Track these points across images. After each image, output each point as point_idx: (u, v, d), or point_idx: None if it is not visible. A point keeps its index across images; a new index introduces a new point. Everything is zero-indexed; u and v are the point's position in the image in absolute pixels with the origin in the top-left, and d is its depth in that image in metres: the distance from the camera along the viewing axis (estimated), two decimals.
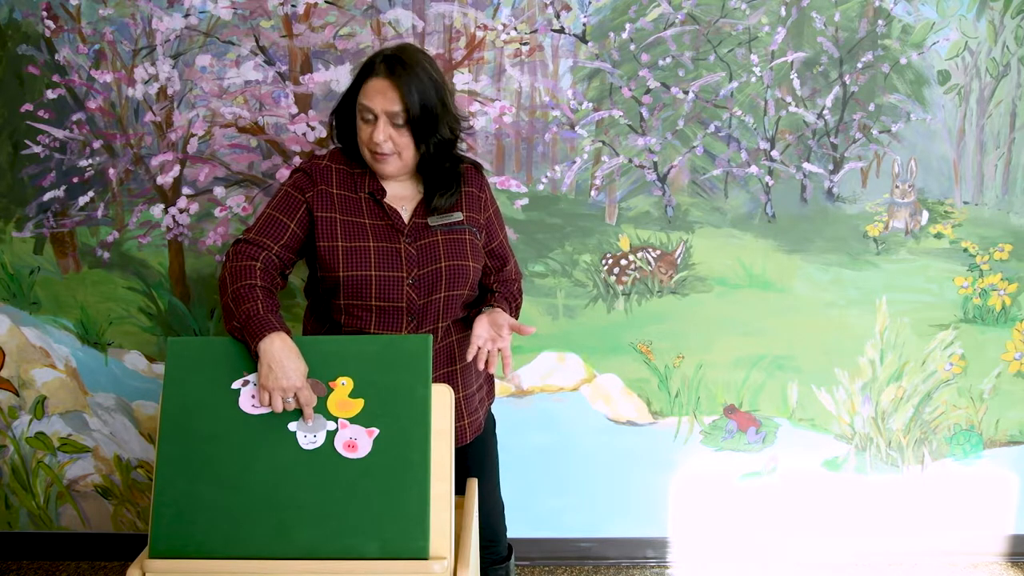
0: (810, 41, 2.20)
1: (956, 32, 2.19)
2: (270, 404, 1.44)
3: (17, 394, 2.42)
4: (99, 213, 2.29)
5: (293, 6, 2.15)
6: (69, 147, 2.24)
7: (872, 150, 2.27)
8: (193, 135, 2.23)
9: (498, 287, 1.82)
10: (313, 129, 2.22)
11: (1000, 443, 2.46)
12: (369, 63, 1.62)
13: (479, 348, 1.67)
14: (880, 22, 2.19)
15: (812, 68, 2.22)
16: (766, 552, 2.52)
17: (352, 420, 1.46)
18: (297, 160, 2.23)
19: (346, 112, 1.68)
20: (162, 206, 2.28)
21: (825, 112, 2.24)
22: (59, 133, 2.23)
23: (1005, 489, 2.49)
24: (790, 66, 2.21)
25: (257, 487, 1.42)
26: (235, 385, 1.48)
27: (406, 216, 1.69)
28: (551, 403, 2.41)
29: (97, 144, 2.24)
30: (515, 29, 2.18)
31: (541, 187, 2.27)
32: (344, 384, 1.48)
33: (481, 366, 1.67)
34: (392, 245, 1.66)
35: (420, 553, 1.39)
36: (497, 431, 1.96)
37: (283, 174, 2.24)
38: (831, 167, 2.28)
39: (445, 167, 1.69)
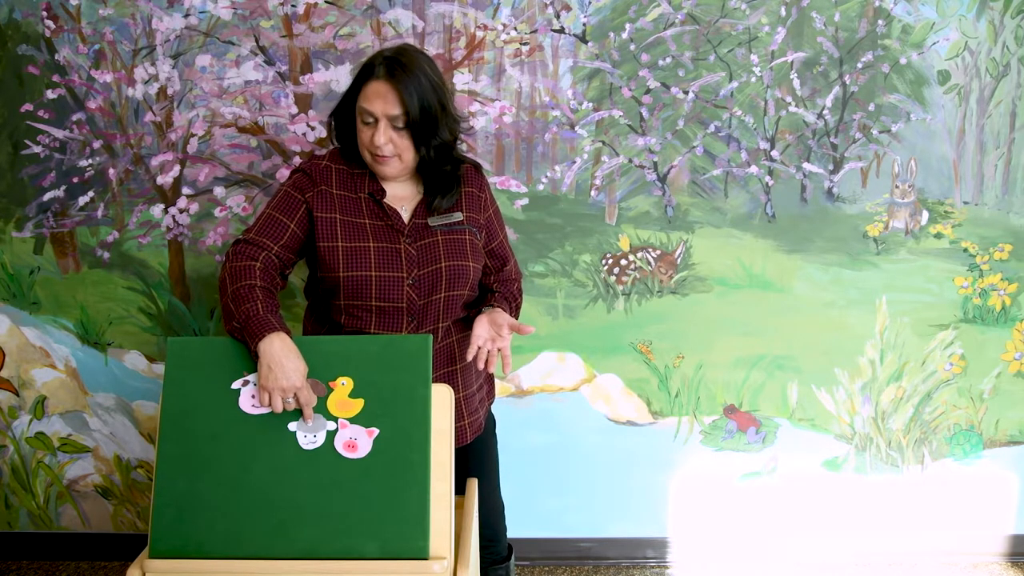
0: (810, 41, 2.20)
1: (956, 32, 2.19)
2: (270, 404, 1.44)
3: (17, 394, 2.42)
4: (99, 213, 2.29)
5: (293, 6, 2.15)
6: (69, 147, 2.24)
7: (872, 150, 2.27)
8: (193, 135, 2.23)
9: (498, 287, 1.82)
10: (313, 129, 2.22)
11: (1000, 443, 2.46)
12: (369, 65, 1.61)
13: (479, 348, 1.67)
14: (880, 22, 2.19)
15: (812, 68, 2.22)
16: (766, 552, 2.52)
17: (352, 420, 1.46)
18: (297, 160, 2.23)
19: (345, 113, 1.68)
20: (162, 206, 2.28)
21: (825, 112, 2.24)
22: (59, 133, 2.23)
23: (1005, 489, 2.49)
24: (790, 66, 2.21)
25: (257, 487, 1.42)
26: (235, 385, 1.48)
27: (406, 216, 1.69)
28: (551, 403, 2.41)
29: (97, 144, 2.24)
30: (515, 29, 2.18)
31: (541, 187, 2.27)
32: (344, 384, 1.48)
33: (481, 366, 1.67)
34: (392, 245, 1.66)
35: (420, 553, 1.39)
36: (497, 431, 1.96)
37: (283, 174, 2.24)
38: (831, 167, 2.28)
39: (445, 169, 1.69)
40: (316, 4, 2.15)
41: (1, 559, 2.52)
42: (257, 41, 2.18)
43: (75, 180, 2.26)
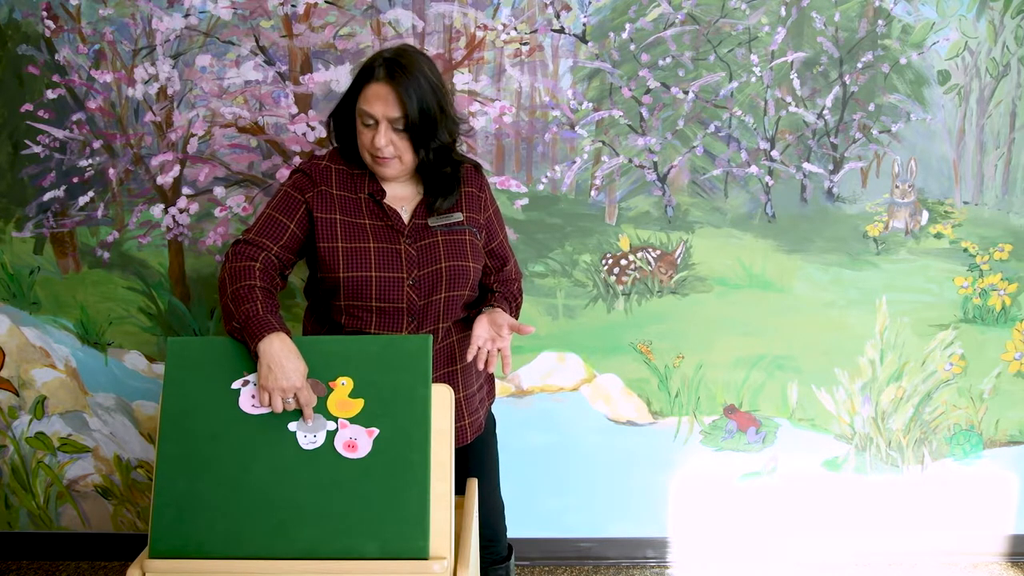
0: (810, 41, 2.20)
1: (956, 32, 2.19)
2: (270, 404, 1.44)
3: (17, 394, 2.42)
4: (99, 213, 2.29)
5: (293, 6, 2.15)
6: (69, 147, 2.24)
7: (872, 150, 2.27)
8: (193, 135, 2.23)
9: (498, 287, 1.82)
10: (313, 129, 2.22)
11: (1000, 443, 2.46)
12: (368, 67, 1.61)
13: (479, 348, 1.67)
14: (880, 22, 2.19)
15: (812, 68, 2.22)
16: (766, 552, 2.52)
17: (352, 420, 1.46)
18: (297, 160, 2.23)
19: (345, 114, 1.68)
20: (162, 206, 2.28)
21: (825, 112, 2.24)
22: (59, 133, 2.23)
23: (1005, 489, 2.49)
24: (790, 66, 2.21)
25: (257, 487, 1.42)
26: (235, 385, 1.48)
27: (406, 217, 1.69)
28: (551, 403, 2.41)
29: (97, 144, 2.24)
30: (515, 29, 2.18)
31: (541, 187, 2.27)
32: (344, 384, 1.48)
33: (481, 366, 1.67)
34: (392, 246, 1.66)
35: (420, 553, 1.39)
36: (497, 431, 1.96)
37: (283, 174, 2.24)
38: (831, 167, 2.28)
39: (446, 170, 1.68)
40: (316, 4, 2.15)
41: (1, 559, 2.53)
42: (257, 41, 2.18)
43: (75, 180, 2.26)
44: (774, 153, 2.26)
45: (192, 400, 1.47)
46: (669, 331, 2.37)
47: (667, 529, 2.51)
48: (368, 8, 2.16)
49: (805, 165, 2.27)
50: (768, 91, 2.23)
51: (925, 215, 2.31)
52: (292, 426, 1.46)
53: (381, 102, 1.58)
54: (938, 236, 2.32)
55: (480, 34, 2.17)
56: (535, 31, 2.18)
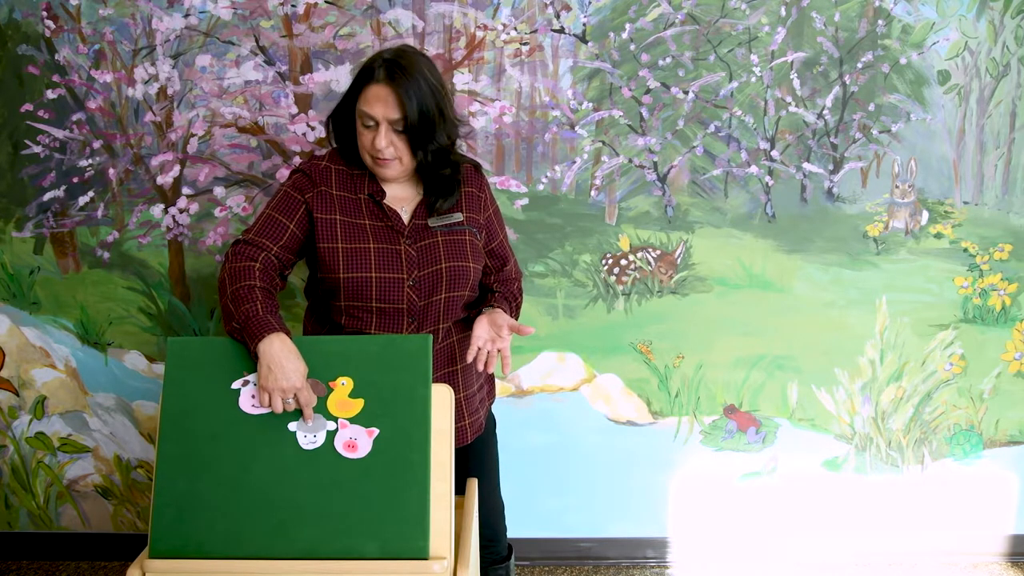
0: (810, 41, 2.20)
1: (956, 32, 2.19)
2: (270, 405, 1.44)
3: (17, 394, 2.42)
4: (99, 213, 2.29)
5: (293, 6, 2.15)
6: (69, 147, 2.24)
7: (872, 150, 2.27)
8: (193, 135, 2.23)
9: (498, 287, 1.82)
10: (313, 129, 2.22)
11: (1000, 443, 2.46)
12: (368, 68, 1.60)
13: (479, 349, 1.67)
14: (880, 22, 2.19)
15: (812, 68, 2.22)
16: (766, 552, 2.52)
17: (352, 420, 1.46)
18: (297, 160, 2.23)
19: (345, 115, 1.68)
20: (162, 206, 2.28)
21: (825, 112, 2.24)
22: (59, 133, 2.23)
23: (1005, 489, 2.49)
24: (790, 66, 2.21)
25: (257, 487, 1.42)
26: (235, 385, 1.48)
27: (406, 217, 1.69)
28: (551, 403, 2.41)
29: (97, 144, 2.24)
30: (515, 29, 2.18)
31: (541, 187, 2.27)
32: (344, 384, 1.48)
33: (480, 367, 1.67)
34: (392, 247, 1.66)
35: (420, 553, 1.39)
36: (497, 431, 1.96)
37: (283, 174, 2.24)
38: (831, 167, 2.28)
39: (445, 172, 1.68)
40: (316, 4, 2.15)
41: (1, 559, 2.53)
42: (257, 41, 2.18)
43: (75, 180, 2.26)
44: (774, 153, 2.26)
45: (192, 400, 1.47)
46: (669, 331, 2.37)
47: (667, 529, 2.51)
48: (368, 8, 2.16)
49: (805, 165, 2.27)
50: (768, 91, 2.23)
51: (925, 215, 2.31)
52: (292, 426, 1.46)
53: (381, 103, 1.58)
54: (938, 236, 2.32)
55: (480, 34, 2.17)
56: (535, 31, 2.18)
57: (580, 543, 2.52)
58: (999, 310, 2.37)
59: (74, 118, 2.22)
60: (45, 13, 2.16)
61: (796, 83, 2.22)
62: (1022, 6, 2.18)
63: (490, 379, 1.93)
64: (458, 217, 1.71)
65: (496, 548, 1.97)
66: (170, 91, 2.20)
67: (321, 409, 1.47)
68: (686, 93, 2.22)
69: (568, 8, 2.17)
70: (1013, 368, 2.41)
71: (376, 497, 1.41)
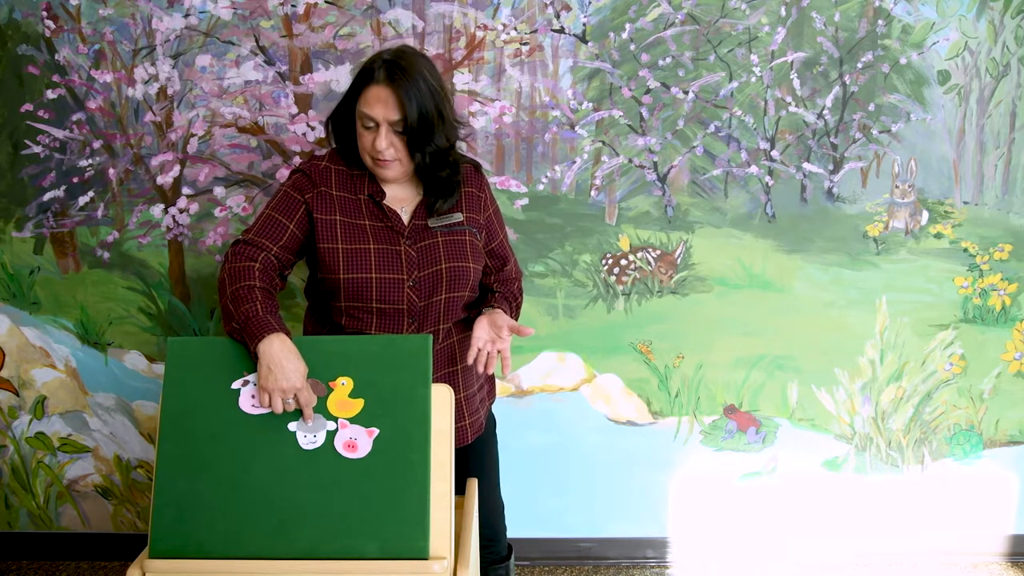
0: (810, 41, 2.20)
1: (956, 32, 2.19)
2: (270, 405, 1.44)
3: (17, 394, 2.42)
4: (99, 213, 2.29)
5: (293, 6, 2.15)
6: (69, 147, 2.25)
7: (872, 150, 2.27)
8: (193, 135, 2.23)
9: (498, 287, 1.82)
10: (313, 129, 2.22)
11: (1000, 443, 2.46)
12: (368, 68, 1.59)
13: (479, 350, 1.67)
14: (880, 22, 2.19)
15: (812, 68, 2.22)
16: (766, 552, 2.52)
17: (352, 420, 1.46)
18: (297, 160, 2.23)
19: (344, 116, 1.67)
20: (162, 206, 2.28)
21: (825, 112, 2.24)
22: (59, 133, 2.23)
23: (1005, 489, 2.49)
24: (790, 66, 2.21)
25: (257, 487, 1.42)
26: (235, 385, 1.48)
27: (406, 218, 1.69)
28: (551, 403, 2.41)
29: (97, 144, 2.24)
30: (515, 29, 2.18)
31: (541, 187, 2.27)
32: (344, 384, 1.48)
33: (481, 369, 1.67)
34: (392, 247, 1.65)
35: (420, 553, 1.39)
36: (497, 431, 1.96)
37: (283, 174, 2.24)
38: (831, 167, 2.28)
39: (444, 173, 1.67)
40: (316, 4, 2.15)
41: (1, 559, 2.53)
42: (257, 41, 2.18)
43: (75, 180, 2.26)
44: (774, 153, 2.26)
45: (192, 400, 1.47)
46: (669, 331, 2.37)
47: (667, 529, 2.51)
48: (368, 8, 2.16)
49: (805, 165, 2.27)
50: (768, 91, 2.23)
51: (925, 215, 2.31)
52: (292, 426, 1.46)
53: (382, 104, 1.57)
54: (938, 236, 2.32)
55: (480, 34, 2.17)
56: (535, 31, 2.18)
57: (580, 543, 2.52)
58: (999, 310, 2.37)
59: (74, 118, 2.22)
60: (45, 13, 2.16)
61: (796, 83, 2.22)
62: (1022, 6, 2.18)
63: (490, 379, 1.93)
64: (458, 217, 1.71)
65: (496, 548, 1.97)
66: (170, 91, 2.20)
67: (321, 409, 1.47)
68: (686, 93, 2.22)
69: (568, 8, 2.17)
70: (1013, 368, 2.41)
71: (376, 497, 1.41)
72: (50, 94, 2.21)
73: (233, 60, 2.18)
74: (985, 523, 2.51)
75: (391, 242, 1.66)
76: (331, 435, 1.45)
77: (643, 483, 2.47)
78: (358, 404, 1.47)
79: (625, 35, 2.18)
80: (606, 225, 2.31)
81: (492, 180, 2.23)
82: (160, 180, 2.26)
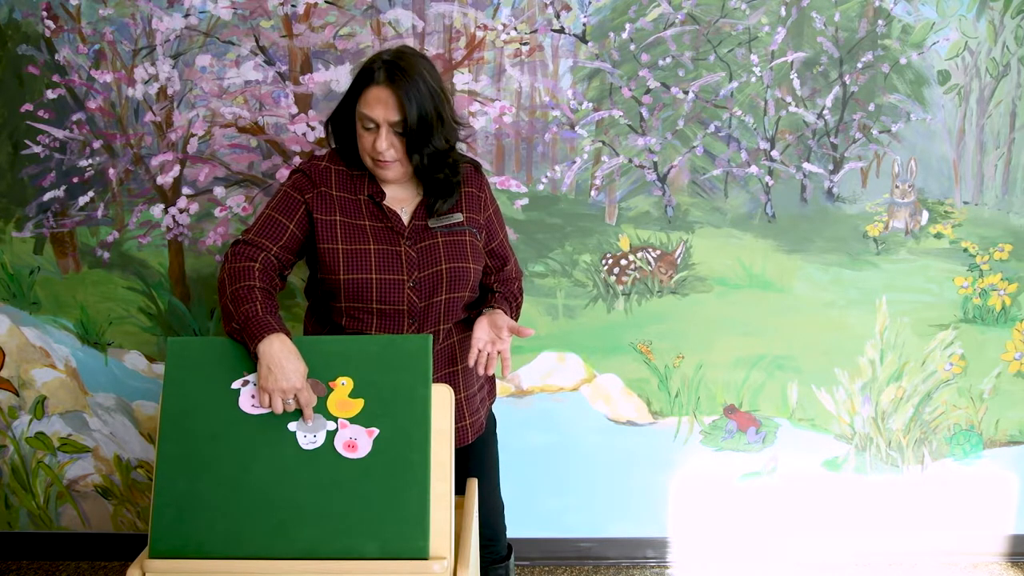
0: (810, 41, 2.20)
1: (956, 32, 2.19)
2: (270, 405, 1.44)
3: (17, 394, 2.42)
4: (99, 213, 2.29)
5: (293, 6, 2.15)
6: (69, 147, 2.25)
7: (872, 150, 2.27)
8: (193, 135, 2.23)
9: (498, 287, 1.82)
10: (313, 129, 2.22)
11: (1000, 443, 2.46)
12: (368, 69, 1.59)
13: (479, 351, 1.66)
14: (880, 22, 2.19)
15: (812, 68, 2.22)
16: (766, 552, 2.52)
17: (352, 420, 1.46)
18: (297, 160, 2.23)
19: (344, 116, 1.67)
20: (162, 206, 2.28)
21: (825, 112, 2.24)
22: (59, 133, 2.23)
23: (1005, 489, 2.49)
24: (790, 66, 2.21)
25: (257, 487, 1.42)
26: (235, 385, 1.48)
27: (406, 218, 1.69)
28: (551, 403, 2.41)
29: (97, 144, 2.24)
30: (515, 29, 2.18)
31: (541, 187, 2.27)
32: (344, 384, 1.48)
33: (481, 371, 1.67)
34: (392, 248, 1.65)
35: (420, 553, 1.39)
36: (497, 431, 1.96)
37: (283, 174, 2.24)
38: (831, 167, 2.28)
39: (444, 173, 1.67)
40: (316, 4, 2.15)
41: (1, 559, 2.53)
42: (257, 41, 2.18)
43: (75, 180, 2.26)
44: (774, 153, 2.26)
45: (192, 400, 1.47)
46: (669, 331, 2.37)
47: (667, 529, 2.51)
48: (368, 8, 2.16)
49: (805, 165, 2.27)
50: (768, 91, 2.23)
51: (925, 215, 2.31)
52: (292, 426, 1.46)
53: (382, 105, 1.57)
54: (938, 236, 2.32)
55: (480, 34, 2.17)
56: (535, 31, 2.18)
57: (580, 543, 2.52)
58: (999, 310, 2.37)
59: (74, 118, 2.22)
60: (45, 13, 2.16)
61: (796, 83, 2.22)
62: (1022, 6, 2.18)
63: (491, 379, 1.93)
64: (458, 217, 1.71)
65: (496, 548, 1.97)
66: (170, 91, 2.20)
67: (321, 409, 1.47)
68: (686, 93, 2.22)
69: (568, 8, 2.17)
70: (1013, 368, 2.41)
71: (376, 497, 1.41)
72: (50, 94, 2.21)
73: (233, 60, 2.19)
74: (985, 523, 2.51)
75: (391, 243, 1.66)
76: (331, 435, 1.45)
77: (643, 483, 2.47)
78: (358, 404, 1.47)
79: (625, 35, 2.18)
80: (606, 225, 2.31)
81: (492, 180, 2.23)
82: (160, 180, 2.26)
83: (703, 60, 2.20)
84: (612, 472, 2.46)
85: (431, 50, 2.17)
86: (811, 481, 2.47)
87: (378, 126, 1.59)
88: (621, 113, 2.23)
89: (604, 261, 2.33)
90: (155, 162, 2.25)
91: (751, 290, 2.34)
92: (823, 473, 2.47)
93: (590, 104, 2.23)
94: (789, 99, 2.23)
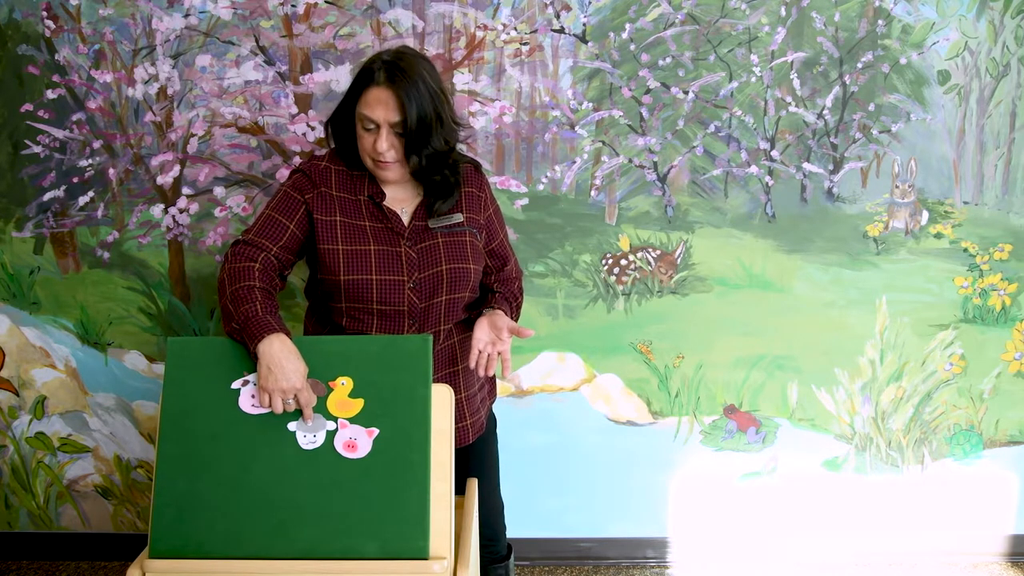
0: (810, 41, 2.20)
1: (956, 32, 2.19)
2: (270, 405, 1.44)
3: (17, 394, 2.42)
4: (99, 213, 2.29)
5: (293, 6, 2.15)
6: (69, 147, 2.25)
7: (872, 150, 2.27)
8: (193, 135, 2.23)
9: (499, 287, 1.82)
10: (313, 129, 2.22)
11: (1000, 443, 2.46)
12: (367, 69, 1.59)
13: (479, 352, 1.66)
14: (880, 22, 2.19)
15: (812, 68, 2.22)
16: (766, 552, 2.52)
17: (352, 420, 1.46)
18: (297, 160, 2.23)
19: (344, 117, 1.66)
20: (162, 206, 2.28)
21: (825, 112, 2.24)
22: (59, 133, 2.23)
23: (1005, 489, 2.49)
24: (790, 66, 2.21)
25: (257, 487, 1.42)
26: (235, 385, 1.48)
27: (406, 219, 1.69)
28: (551, 403, 2.41)
29: (97, 144, 2.24)
30: (515, 29, 2.18)
31: (541, 187, 2.27)
32: (344, 384, 1.48)
33: (481, 372, 1.67)
34: (392, 248, 1.65)
35: (420, 553, 1.39)
36: (497, 431, 1.96)
37: (283, 174, 2.24)
38: (831, 167, 2.28)
39: (443, 174, 1.66)
40: (316, 4, 2.15)
41: (1, 559, 2.53)
42: (257, 41, 2.18)
43: (75, 180, 2.26)
44: (774, 153, 2.26)
45: (192, 400, 1.47)
46: (669, 331, 2.37)
47: (667, 529, 2.51)
48: (368, 8, 2.16)
49: (805, 165, 2.27)
50: (768, 91, 2.23)
51: (925, 215, 2.31)
52: (292, 426, 1.46)
53: (382, 106, 1.57)
54: (938, 236, 2.32)
55: (480, 34, 2.17)
56: (535, 31, 2.18)
57: (580, 543, 2.52)
58: (999, 310, 2.37)
59: (74, 118, 2.22)
60: (45, 13, 2.16)
61: (796, 83, 2.22)
62: (1022, 6, 2.18)
63: (491, 379, 1.93)
64: (458, 218, 1.71)
65: (495, 547, 1.97)
66: (170, 91, 2.20)
67: (321, 409, 1.47)
68: (686, 93, 2.22)
69: (568, 8, 2.17)
70: (1013, 368, 2.41)
71: (376, 497, 1.41)
72: (50, 94, 2.21)
73: (233, 60, 2.19)
74: (985, 523, 2.51)
75: (391, 243, 1.65)
76: (331, 435, 1.45)
77: (643, 483, 2.47)
78: (358, 404, 1.47)
79: (625, 35, 2.18)
80: (606, 225, 2.31)
81: (492, 180, 2.23)
82: (160, 180, 2.26)
83: (703, 60, 2.20)
84: (612, 472, 2.46)
85: (431, 50, 2.17)
86: (811, 481, 2.47)
87: (378, 127, 1.58)
88: (621, 113, 2.23)
89: (604, 261, 2.33)
90: (155, 162, 2.25)
91: (751, 290, 2.34)
92: (823, 473, 2.47)
93: (590, 104, 2.23)
94: (789, 99, 2.23)
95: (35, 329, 2.37)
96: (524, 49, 2.19)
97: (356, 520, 1.40)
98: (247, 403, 1.47)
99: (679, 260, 2.33)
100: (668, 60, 2.20)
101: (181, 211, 2.28)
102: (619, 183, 2.28)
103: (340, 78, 2.19)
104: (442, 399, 1.50)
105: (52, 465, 2.47)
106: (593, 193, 2.28)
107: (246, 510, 1.41)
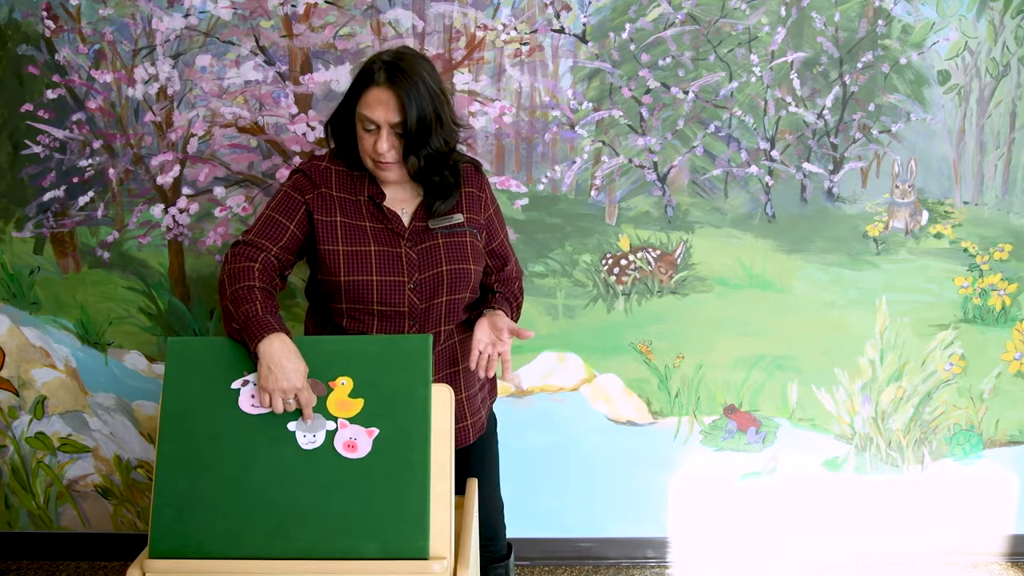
0: (810, 41, 2.20)
1: (956, 32, 2.19)
2: (270, 405, 1.44)
3: (17, 394, 2.42)
4: (99, 213, 2.29)
5: (293, 6, 2.15)
6: (69, 147, 2.25)
7: (872, 150, 2.27)
8: (193, 135, 2.23)
9: (499, 287, 1.82)
10: (313, 129, 2.22)
11: (1000, 443, 2.46)
12: (367, 70, 1.58)
13: (479, 353, 1.66)
14: (880, 22, 2.19)
15: (812, 68, 2.22)
16: (766, 552, 2.52)
17: (352, 420, 1.46)
18: (297, 160, 2.23)
19: (344, 117, 1.66)
20: (162, 206, 2.28)
21: (825, 112, 2.24)
22: (59, 133, 2.23)
23: (1005, 489, 2.49)
24: (790, 66, 2.21)
25: (257, 487, 1.42)
26: (235, 385, 1.48)
27: (406, 219, 1.68)
28: (551, 403, 2.41)
29: (97, 144, 2.24)
30: (515, 29, 2.18)
31: (541, 187, 2.27)
32: (344, 384, 1.48)
33: (481, 373, 1.67)
34: (393, 249, 1.65)
35: (420, 553, 1.39)
36: (498, 431, 1.96)
37: (283, 174, 2.24)
38: (831, 167, 2.28)
39: (443, 175, 1.66)
40: (316, 4, 2.15)
41: (1, 559, 2.53)
42: (257, 41, 2.18)
43: (75, 180, 2.26)
44: (774, 153, 2.26)
45: (192, 400, 1.47)
46: (669, 331, 2.37)
47: (667, 529, 2.51)
48: (368, 8, 2.16)
49: (805, 165, 2.27)
50: (768, 91, 2.23)
51: (925, 215, 2.31)
52: (292, 426, 1.46)
53: (382, 107, 1.56)
54: (938, 236, 2.32)
55: (480, 34, 2.17)
56: (535, 31, 2.18)
57: (580, 543, 2.52)
58: (999, 310, 2.37)
59: (74, 118, 2.22)
60: (45, 13, 2.16)
61: (796, 83, 2.22)
62: (1022, 6, 2.18)
63: (491, 379, 1.93)
64: (459, 218, 1.70)
65: (495, 547, 1.97)
66: (170, 91, 2.20)
67: (321, 409, 1.47)
68: (686, 93, 2.22)
69: (568, 8, 2.17)
70: (1013, 368, 2.41)
71: (376, 497, 1.41)
72: (50, 94, 2.21)
73: (233, 60, 2.19)
74: (985, 523, 2.51)
75: (392, 244, 1.65)
76: (331, 435, 1.45)
77: (643, 483, 2.47)
78: (358, 404, 1.47)
79: (625, 35, 2.18)
80: (606, 225, 2.31)
81: (492, 180, 2.23)
82: (160, 180, 2.26)
83: (703, 60, 2.20)
84: (612, 472, 2.46)
85: (431, 50, 2.17)
86: (811, 481, 2.47)
87: (378, 127, 1.58)
88: (621, 113, 2.23)
89: (604, 261, 2.33)
90: (155, 162, 2.25)
91: (751, 290, 2.34)
92: (823, 473, 2.47)
93: (590, 104, 2.23)
94: (789, 99, 2.23)
95: (35, 329, 2.37)
96: (524, 49, 2.19)
97: (356, 520, 1.40)
98: (247, 403, 1.47)
99: (679, 260, 2.33)
100: (668, 60, 2.20)
101: (181, 211, 2.28)
102: (619, 183, 2.28)
103: (340, 78, 2.19)
104: (442, 399, 1.50)
105: (52, 465, 2.47)
106: (593, 193, 2.28)
107: (246, 510, 1.41)
